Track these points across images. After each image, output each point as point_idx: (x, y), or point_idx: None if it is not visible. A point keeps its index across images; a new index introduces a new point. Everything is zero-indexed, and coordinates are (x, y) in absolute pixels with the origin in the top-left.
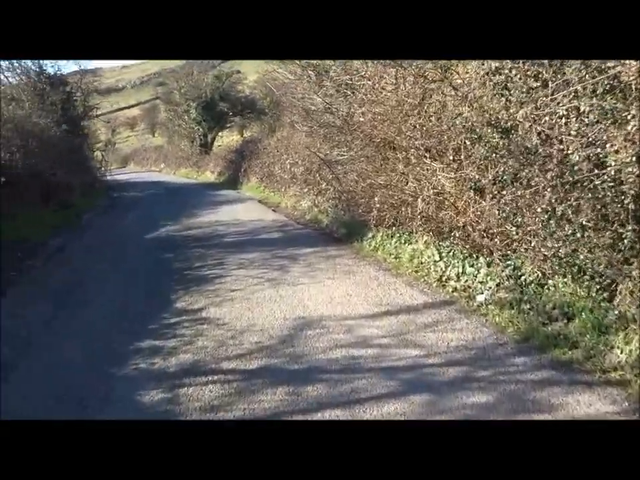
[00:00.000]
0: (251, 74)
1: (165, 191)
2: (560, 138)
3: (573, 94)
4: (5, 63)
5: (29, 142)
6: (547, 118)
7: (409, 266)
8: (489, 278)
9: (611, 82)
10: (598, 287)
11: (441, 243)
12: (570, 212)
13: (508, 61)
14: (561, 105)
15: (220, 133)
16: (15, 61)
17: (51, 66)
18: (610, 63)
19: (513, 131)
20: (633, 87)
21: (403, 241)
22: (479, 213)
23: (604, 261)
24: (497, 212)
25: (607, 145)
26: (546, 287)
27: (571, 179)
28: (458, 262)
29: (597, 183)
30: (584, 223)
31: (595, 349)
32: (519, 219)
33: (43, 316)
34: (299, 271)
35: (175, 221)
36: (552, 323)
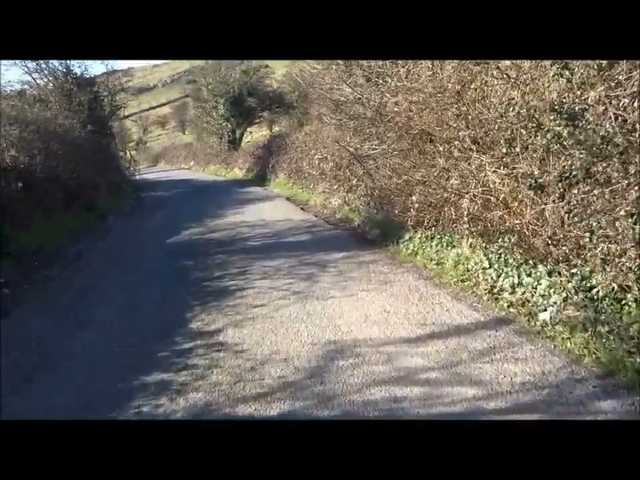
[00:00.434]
0: (279, 68)
1: (192, 190)
2: None
3: None
4: (32, 64)
5: (50, 144)
6: (625, 100)
7: (453, 274)
8: (552, 290)
9: None
10: None
11: (488, 247)
12: None
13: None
14: None
15: (249, 129)
16: (42, 63)
17: (77, 66)
18: None
19: (581, 117)
20: None
21: (444, 244)
22: (538, 214)
23: None
24: (563, 214)
25: None
26: (624, 302)
27: None
28: (512, 270)
29: None
30: None
31: None
32: (593, 223)
33: (43, 341)
34: (329, 281)
35: (199, 223)
36: None
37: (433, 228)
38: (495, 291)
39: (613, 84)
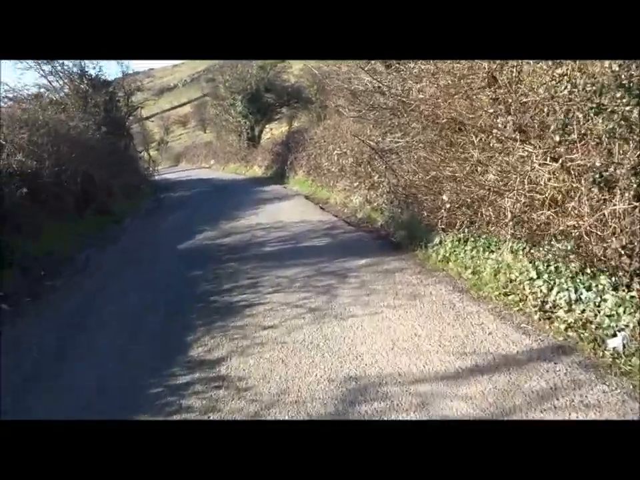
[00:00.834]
0: (296, 62)
1: (210, 189)
2: None
3: None
4: (47, 67)
5: (60, 147)
6: None
7: (493, 285)
8: (622, 310)
9: None
10: None
11: (534, 252)
12: None
13: None
14: None
15: (268, 126)
16: (57, 65)
17: (92, 67)
18: None
19: None
20: None
21: (481, 249)
22: (606, 216)
23: None
24: None
25: None
26: None
27: None
28: (566, 282)
29: None
30: None
31: None
32: None
33: (32, 368)
34: (350, 295)
35: (214, 226)
36: None
37: (466, 230)
38: (547, 307)
39: None
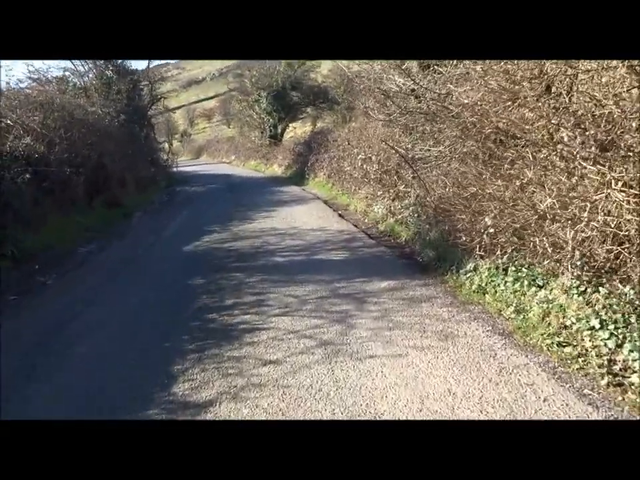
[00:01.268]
0: (325, 63)
1: (226, 186)
2: None
3: None
4: None
5: (73, 132)
6: None
7: (543, 332)
8: None
9: None
10: None
11: (592, 293)
12: None
13: None
14: None
15: (291, 124)
16: None
17: None
18: None
19: None
20: None
21: (525, 282)
22: None
23: None
24: None
25: None
26: None
27: None
28: (639, 336)
29: None
30: None
31: None
32: None
33: None
34: (369, 327)
35: (224, 227)
36: None
37: (505, 256)
38: (616, 369)
39: None
